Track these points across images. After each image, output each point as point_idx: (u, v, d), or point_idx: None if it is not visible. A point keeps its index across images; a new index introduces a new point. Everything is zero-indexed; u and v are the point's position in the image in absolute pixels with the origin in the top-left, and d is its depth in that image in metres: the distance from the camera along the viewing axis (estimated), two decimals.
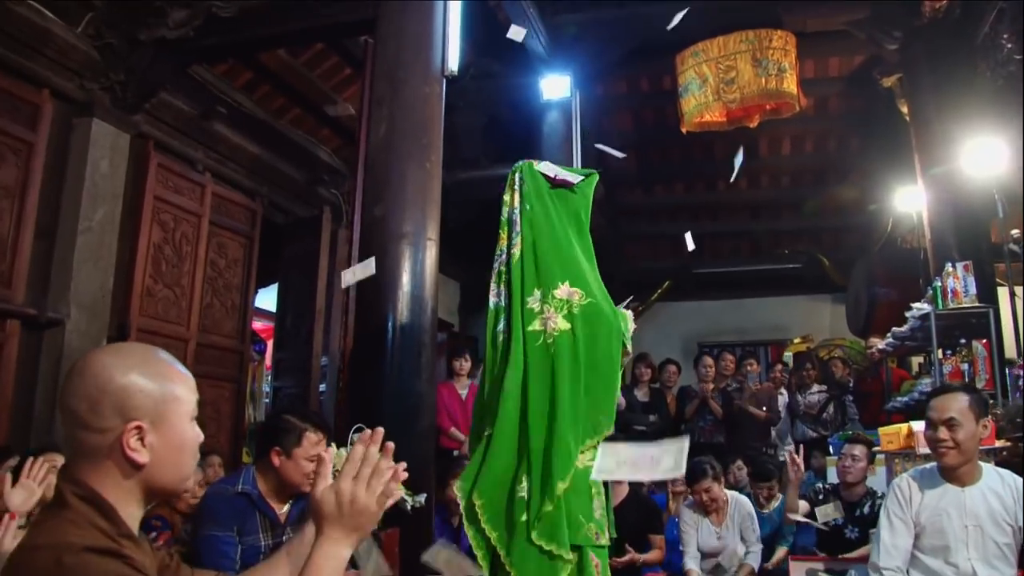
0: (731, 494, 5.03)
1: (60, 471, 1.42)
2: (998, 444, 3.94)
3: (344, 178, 8.39)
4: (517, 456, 2.80)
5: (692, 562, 4.83)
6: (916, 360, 8.83)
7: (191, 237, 6.38)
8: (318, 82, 7.55)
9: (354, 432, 4.29)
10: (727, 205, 11.70)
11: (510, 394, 2.82)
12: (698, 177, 11.14)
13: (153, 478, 1.38)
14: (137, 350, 1.47)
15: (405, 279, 4.63)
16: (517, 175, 3.11)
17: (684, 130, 8.14)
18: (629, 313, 3.17)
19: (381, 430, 1.52)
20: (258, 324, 8.47)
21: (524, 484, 2.74)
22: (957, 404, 2.93)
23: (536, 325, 2.83)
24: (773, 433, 7.79)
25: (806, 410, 7.92)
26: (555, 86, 8.24)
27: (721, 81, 7.60)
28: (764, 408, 7.57)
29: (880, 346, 7.17)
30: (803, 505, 4.94)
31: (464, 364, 7.10)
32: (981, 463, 3.04)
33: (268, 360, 8.93)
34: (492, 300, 3.01)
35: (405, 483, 4.38)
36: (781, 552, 5.07)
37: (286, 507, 3.32)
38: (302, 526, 1.73)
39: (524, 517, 2.69)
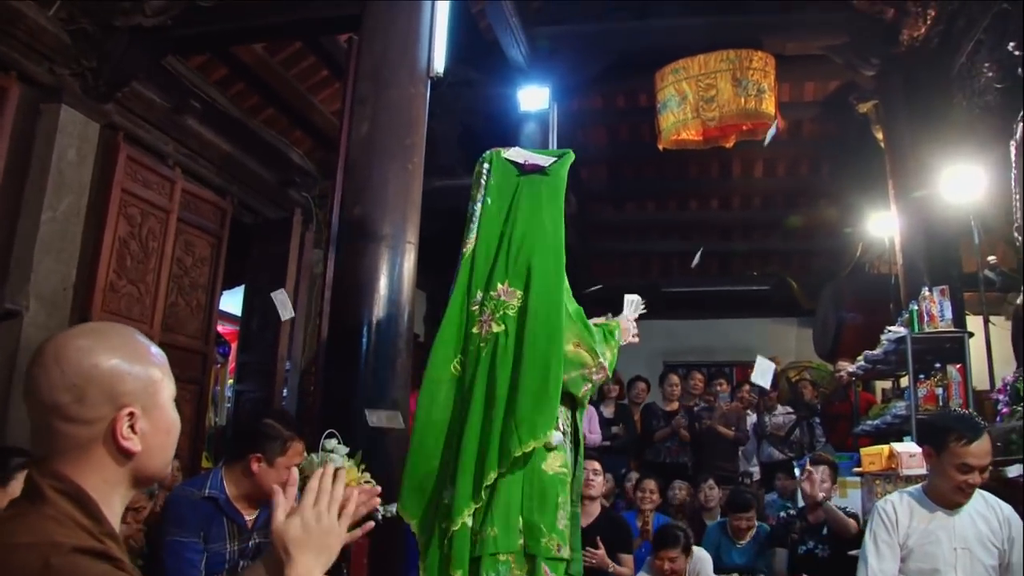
0: (695, 556, 4.82)
1: (34, 464, 1.27)
2: None
3: (316, 181, 8.25)
4: (442, 462, 2.72)
5: None
6: (880, 385, 8.90)
7: (158, 233, 6.19)
8: (294, 82, 7.41)
9: (326, 438, 4.17)
10: (698, 225, 11.74)
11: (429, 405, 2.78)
12: (670, 195, 11.18)
13: (142, 466, 1.30)
14: (112, 331, 1.35)
15: (382, 283, 4.51)
16: (484, 166, 2.99)
17: (661, 147, 8.15)
18: (633, 324, 3.09)
19: (331, 467, 1.52)
20: (220, 327, 8.27)
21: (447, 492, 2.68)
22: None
23: (476, 328, 2.74)
24: (740, 454, 7.78)
25: (772, 431, 7.92)
26: (533, 97, 8.19)
27: (701, 99, 7.62)
28: (733, 428, 7.55)
29: (850, 369, 7.18)
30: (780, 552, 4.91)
31: None
32: None
33: (231, 363, 8.73)
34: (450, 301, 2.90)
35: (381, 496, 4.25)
36: None
37: (254, 513, 3.19)
38: (253, 565, 1.64)
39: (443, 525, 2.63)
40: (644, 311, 3.20)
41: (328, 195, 8.30)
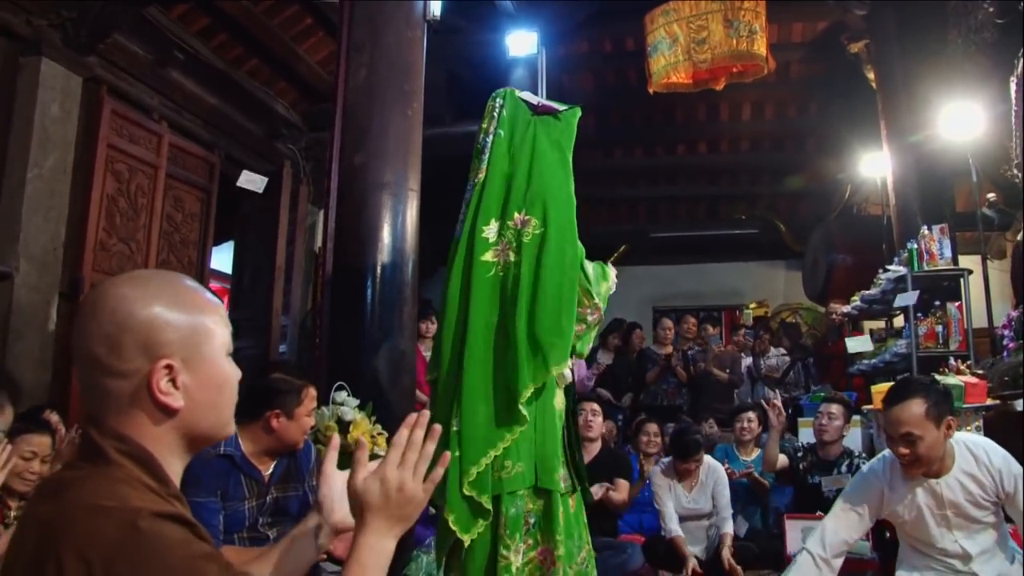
0: (706, 459, 4.98)
1: (90, 422, 1.19)
2: (988, 402, 3.94)
3: (302, 133, 8.12)
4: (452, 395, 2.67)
5: (674, 525, 4.76)
6: (868, 325, 8.96)
7: (147, 189, 6.06)
8: (277, 31, 7.22)
9: (336, 390, 4.13)
10: (686, 169, 11.68)
11: (448, 332, 2.71)
12: (658, 141, 11.08)
13: (191, 425, 1.20)
14: (158, 277, 1.26)
15: (386, 231, 4.43)
16: (497, 100, 2.96)
17: (651, 90, 8.05)
18: (613, 270, 3.06)
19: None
20: (210, 284, 8.17)
21: (455, 421, 2.62)
22: (913, 416, 2.64)
23: (489, 256, 2.68)
24: (736, 396, 7.83)
25: (767, 373, 7.98)
26: (521, 43, 8.04)
27: (692, 41, 7.53)
28: (727, 370, 7.60)
29: (844, 310, 7.22)
30: (782, 459, 4.94)
31: (430, 326, 6.92)
32: (952, 442, 2.78)
33: None
34: (456, 231, 2.83)
35: (387, 442, 4.24)
36: None
37: (271, 466, 3.15)
38: (303, 519, 1.57)
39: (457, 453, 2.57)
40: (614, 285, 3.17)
41: (314, 147, 8.22)
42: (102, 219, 5.64)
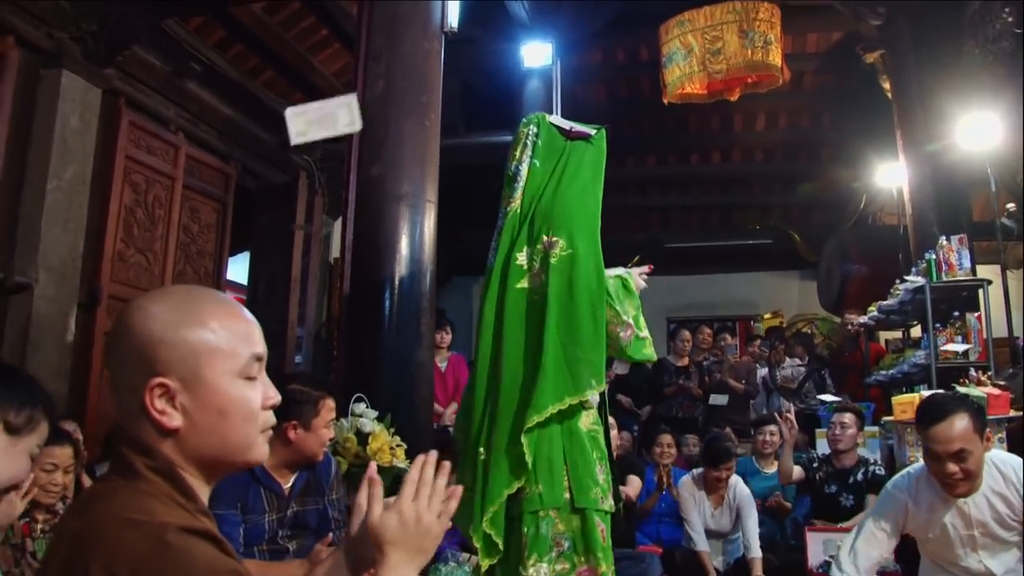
0: (734, 479, 4.97)
1: (120, 436, 1.19)
2: (1011, 413, 3.91)
3: (317, 144, 8.12)
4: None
5: (701, 540, 4.75)
6: (883, 335, 8.92)
7: (164, 200, 6.08)
8: (293, 43, 7.26)
9: (355, 402, 4.13)
10: (699, 179, 11.67)
11: (483, 358, 2.72)
12: (671, 150, 11.08)
13: (194, 447, 1.16)
14: (180, 294, 1.23)
15: (403, 242, 4.45)
16: (531, 128, 2.97)
17: (666, 101, 8.04)
18: (636, 275, 3.05)
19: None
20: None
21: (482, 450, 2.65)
22: (962, 431, 2.56)
23: (524, 283, 2.69)
24: (751, 406, 7.80)
25: (783, 383, 7.94)
26: (536, 53, 8.09)
27: (707, 51, 7.51)
28: (743, 381, 7.57)
29: (862, 320, 7.18)
30: (797, 470, 4.92)
31: (445, 337, 6.93)
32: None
33: None
34: (489, 260, 2.85)
35: (405, 454, 4.22)
36: None
37: (291, 479, 3.14)
38: (328, 555, 1.57)
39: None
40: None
41: (329, 158, 8.24)
42: (120, 230, 5.66)
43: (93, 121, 5.51)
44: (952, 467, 2.59)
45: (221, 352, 1.17)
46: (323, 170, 8.19)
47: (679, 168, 11.32)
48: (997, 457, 2.76)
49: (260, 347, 1.25)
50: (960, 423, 2.57)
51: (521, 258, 2.72)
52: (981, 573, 2.72)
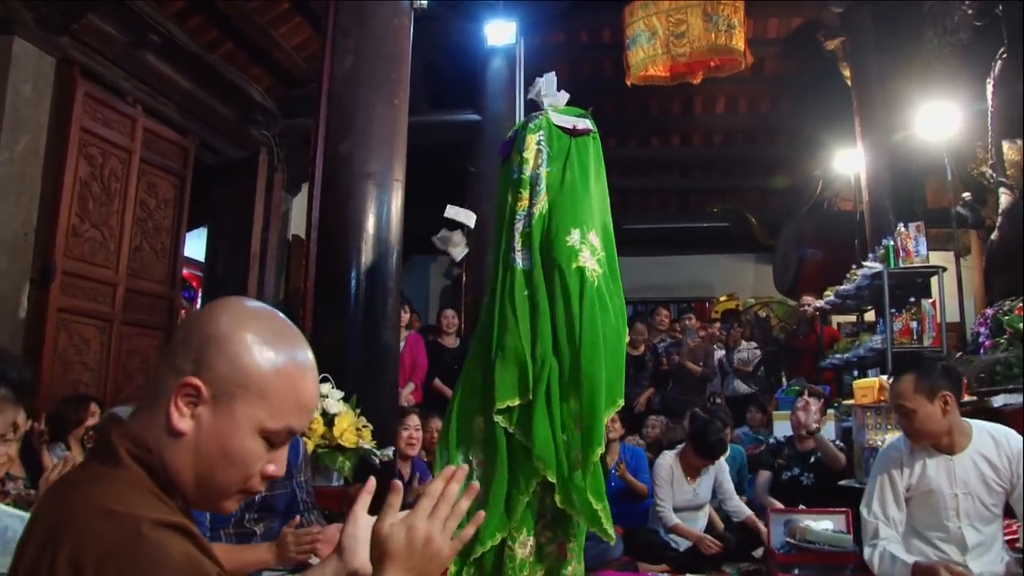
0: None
1: (111, 420, 1.14)
2: (966, 398, 4.01)
3: (276, 119, 8.00)
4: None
5: (671, 513, 4.79)
6: (836, 319, 9.07)
7: (120, 174, 5.93)
8: (253, 15, 7.11)
9: (321, 382, 4.09)
10: (658, 162, 11.73)
11: (548, 356, 2.76)
12: (631, 133, 11.12)
13: (181, 459, 1.09)
14: (275, 321, 1.16)
15: (371, 222, 4.42)
16: (540, 133, 3.00)
17: (629, 83, 8.05)
18: None
19: (465, 467, 1.32)
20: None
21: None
22: (902, 390, 2.81)
23: (580, 261, 2.77)
24: (708, 389, 7.88)
25: (739, 366, 8.04)
26: (500, 32, 8.01)
27: (671, 34, 7.54)
28: (700, 364, 7.63)
29: (818, 304, 7.30)
30: (764, 474, 5.01)
31: (403, 316, 6.90)
32: (973, 425, 2.89)
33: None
34: (519, 263, 2.88)
35: (373, 436, 4.20)
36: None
37: None
38: (322, 563, 1.45)
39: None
40: None
41: (288, 133, 8.12)
42: (75, 204, 5.50)
43: (47, 91, 5.35)
44: (900, 420, 2.87)
45: (265, 403, 1.11)
46: (282, 146, 8.07)
47: (639, 151, 11.37)
48: (992, 427, 2.91)
49: (300, 425, 1.17)
50: (903, 382, 2.81)
51: (571, 240, 2.79)
52: (958, 540, 2.82)
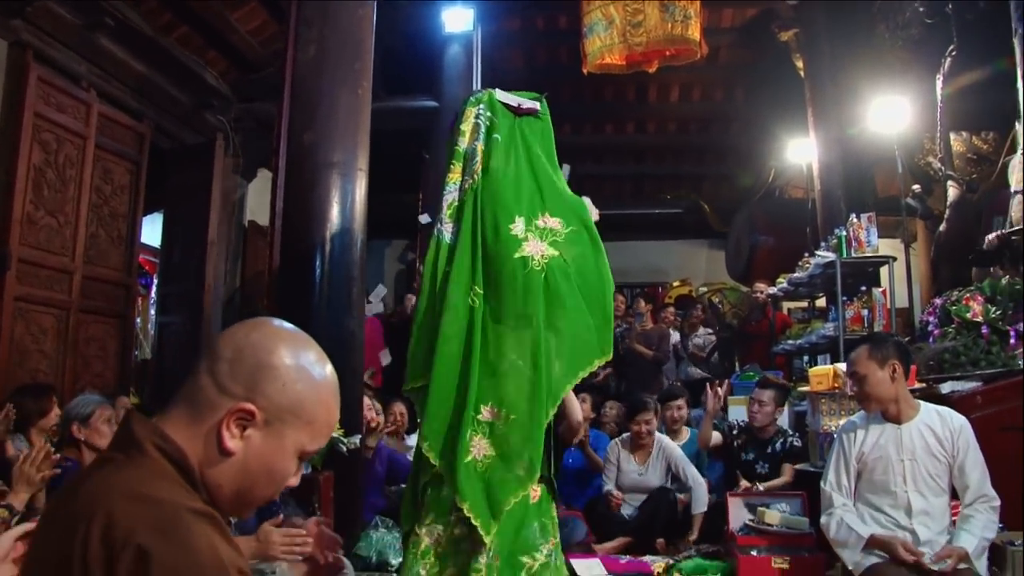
0: (658, 436, 5.10)
1: (139, 418, 1.17)
2: (917, 385, 4.15)
3: (231, 104, 7.91)
4: (460, 398, 2.72)
5: (611, 485, 4.95)
6: (788, 305, 9.26)
7: (75, 160, 5.84)
8: None
9: None
10: (613, 148, 11.82)
11: (451, 337, 2.72)
12: (586, 119, 11.18)
13: (225, 475, 1.16)
14: (317, 356, 1.23)
15: (335, 210, 4.42)
16: (480, 107, 3.01)
17: (585, 71, 8.12)
18: (588, 200, 3.17)
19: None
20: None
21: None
22: (859, 358, 3.13)
23: (524, 251, 2.73)
24: (663, 374, 7.99)
25: (694, 351, 8.18)
26: (457, 18, 8.05)
27: (628, 23, 7.62)
28: (653, 348, 7.73)
29: (771, 291, 7.45)
30: (716, 436, 5.12)
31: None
32: (921, 403, 3.20)
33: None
34: (444, 234, 2.87)
35: (340, 425, 4.24)
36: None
37: None
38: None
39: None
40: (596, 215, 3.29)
41: (244, 118, 8.03)
42: (29, 191, 5.41)
43: None
44: (853, 387, 3.20)
45: (310, 428, 1.19)
46: (238, 131, 7.99)
47: (593, 137, 11.44)
48: (937, 406, 3.21)
49: (324, 444, 1.26)
50: (859, 351, 3.18)
51: (515, 228, 2.76)
52: (904, 505, 3.06)
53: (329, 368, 1.24)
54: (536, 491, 2.82)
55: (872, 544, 3.00)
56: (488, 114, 2.92)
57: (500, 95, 3.03)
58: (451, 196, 2.90)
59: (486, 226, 2.77)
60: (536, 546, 2.76)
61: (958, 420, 3.11)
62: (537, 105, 3.05)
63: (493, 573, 2.65)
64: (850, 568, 3.12)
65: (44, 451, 2.74)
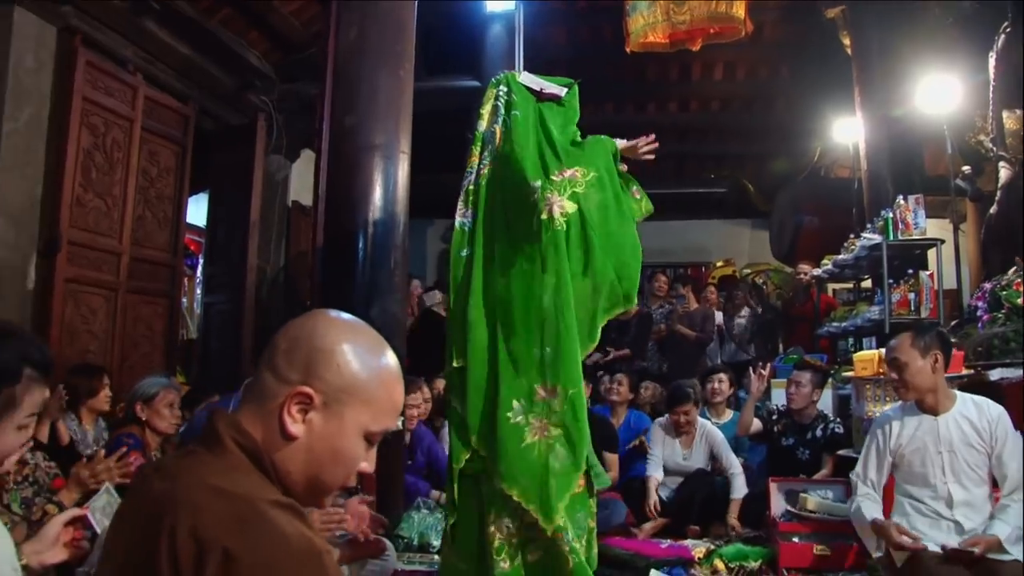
0: (701, 422, 5.09)
1: (217, 411, 1.24)
2: (964, 372, 4.09)
3: (274, 84, 7.96)
4: (499, 380, 2.73)
5: (654, 470, 4.95)
6: (832, 286, 9.14)
7: (122, 143, 5.93)
8: None
9: None
10: (655, 127, 11.53)
11: (476, 323, 2.76)
12: (629, 98, 11.07)
13: (292, 460, 1.19)
14: (370, 334, 1.28)
15: (377, 194, 4.44)
16: (500, 88, 3.00)
17: (628, 50, 8.00)
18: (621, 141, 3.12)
19: None
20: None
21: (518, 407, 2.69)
22: (901, 345, 3.09)
23: (543, 215, 2.74)
24: (707, 355, 7.95)
25: (738, 332, 8.11)
26: None
27: (671, 1, 7.49)
28: (696, 329, 7.69)
29: (816, 272, 7.35)
30: (756, 423, 5.08)
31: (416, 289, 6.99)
32: (958, 393, 3.17)
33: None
34: (458, 220, 2.92)
35: None
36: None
37: None
38: None
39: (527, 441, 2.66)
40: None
41: (287, 98, 8.08)
42: (78, 174, 5.52)
43: (48, 61, 5.33)
44: (892, 374, 3.12)
45: (371, 408, 1.22)
46: (281, 111, 8.04)
47: (636, 116, 11.32)
48: (975, 397, 3.17)
49: (392, 426, 1.29)
50: (901, 338, 3.13)
51: (531, 193, 2.77)
52: (944, 496, 3.05)
53: (387, 351, 1.27)
54: (582, 481, 2.83)
55: (873, 528, 3.05)
56: (506, 93, 2.92)
57: (524, 77, 3.03)
58: (467, 181, 2.94)
59: (507, 199, 2.81)
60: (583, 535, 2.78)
61: (995, 410, 3.09)
62: (562, 92, 3.03)
63: (580, 549, 2.68)
64: (871, 553, 3.19)
65: (103, 464, 2.82)
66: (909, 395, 3.11)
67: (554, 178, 2.77)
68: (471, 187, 2.93)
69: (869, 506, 3.13)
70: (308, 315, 1.28)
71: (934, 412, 3.10)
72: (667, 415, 5.14)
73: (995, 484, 3.10)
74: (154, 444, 3.74)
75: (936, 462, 3.07)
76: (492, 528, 2.70)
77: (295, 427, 1.18)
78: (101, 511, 1.77)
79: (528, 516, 2.64)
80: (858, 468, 3.30)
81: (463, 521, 2.80)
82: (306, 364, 1.19)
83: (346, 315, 1.29)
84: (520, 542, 2.71)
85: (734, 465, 4.88)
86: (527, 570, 2.70)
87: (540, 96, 2.98)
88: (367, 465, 1.26)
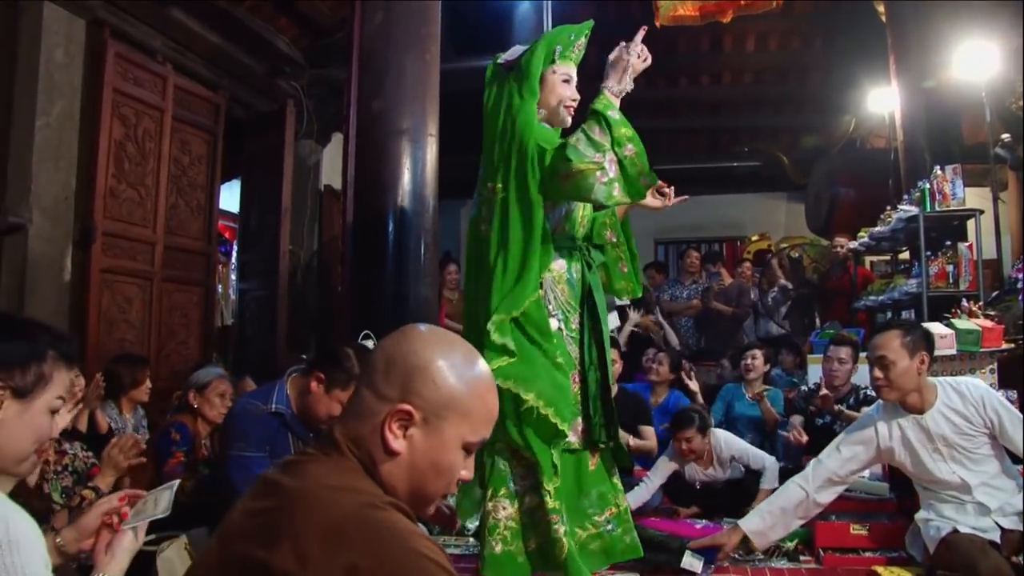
0: (714, 437, 4.75)
1: (337, 421, 1.33)
2: (1003, 346, 4.01)
3: (304, 70, 7.97)
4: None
5: (644, 494, 4.66)
6: (869, 258, 8.99)
7: (154, 133, 5.98)
8: None
9: (363, 339, 4.16)
10: (687, 101, 11.54)
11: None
12: (660, 72, 10.92)
13: (396, 475, 1.25)
14: (463, 347, 1.34)
15: (406, 177, 4.45)
16: (491, 87, 3.05)
17: (658, 24, 7.90)
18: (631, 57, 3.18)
19: None
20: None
21: None
22: (890, 343, 3.01)
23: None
24: (743, 330, 7.87)
25: (773, 307, 8.03)
26: None
27: None
28: (733, 304, 7.61)
29: (852, 245, 7.24)
30: (796, 418, 5.00)
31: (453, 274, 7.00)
32: (936, 383, 3.11)
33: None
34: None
35: None
36: None
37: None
38: None
39: None
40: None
41: (316, 84, 8.09)
42: (111, 166, 5.57)
43: (78, 54, 5.37)
44: (877, 373, 3.04)
45: (468, 420, 1.28)
46: (310, 96, 8.05)
47: (668, 91, 11.19)
48: (951, 380, 3.14)
49: (488, 434, 1.34)
50: (890, 335, 3.05)
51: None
52: (957, 485, 3.02)
53: (480, 362, 1.33)
54: (594, 460, 2.83)
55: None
56: (487, 88, 2.98)
57: (504, 56, 3.01)
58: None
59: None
60: (589, 516, 2.78)
61: (977, 391, 3.04)
62: (516, 53, 2.99)
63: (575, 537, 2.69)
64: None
65: (132, 440, 2.85)
66: (892, 395, 3.05)
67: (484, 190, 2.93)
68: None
69: (789, 486, 3.22)
70: (401, 332, 1.33)
71: (919, 410, 3.06)
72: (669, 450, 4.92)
73: (1008, 453, 3.07)
74: (204, 432, 3.79)
75: (936, 457, 3.05)
76: (490, 505, 2.73)
77: (397, 443, 1.24)
78: (138, 513, 1.80)
79: (528, 498, 2.71)
80: (821, 454, 3.27)
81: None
82: (403, 382, 1.25)
83: (439, 330, 1.36)
84: (521, 526, 2.73)
85: (763, 459, 4.72)
86: (528, 558, 2.72)
87: (505, 67, 2.97)
88: (467, 473, 1.32)
